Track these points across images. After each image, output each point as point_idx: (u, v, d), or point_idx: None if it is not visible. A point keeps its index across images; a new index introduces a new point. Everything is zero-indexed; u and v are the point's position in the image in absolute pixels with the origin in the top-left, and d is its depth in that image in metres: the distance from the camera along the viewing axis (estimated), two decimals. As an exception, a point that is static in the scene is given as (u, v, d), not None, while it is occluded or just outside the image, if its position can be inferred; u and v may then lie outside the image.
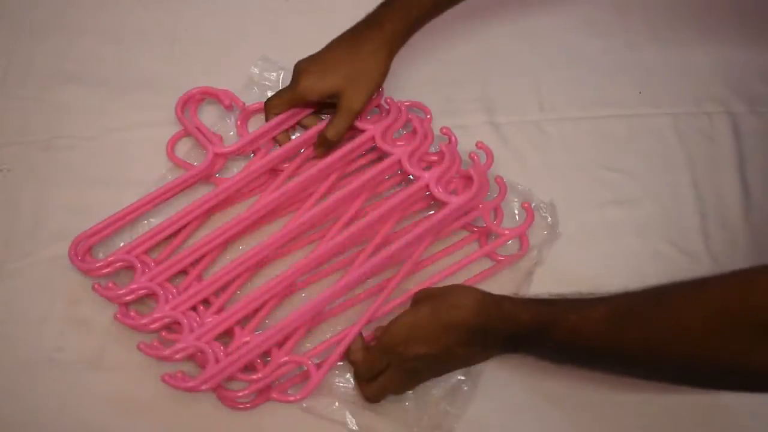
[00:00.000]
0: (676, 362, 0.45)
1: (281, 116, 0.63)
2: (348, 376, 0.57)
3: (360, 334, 0.56)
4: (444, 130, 0.64)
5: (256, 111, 0.66)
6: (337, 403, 0.56)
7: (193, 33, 0.73)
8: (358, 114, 0.62)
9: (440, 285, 0.57)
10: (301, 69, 0.62)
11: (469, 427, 0.56)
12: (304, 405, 0.56)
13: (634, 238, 0.65)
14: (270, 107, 0.63)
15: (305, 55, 0.62)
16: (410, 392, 0.56)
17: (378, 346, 0.54)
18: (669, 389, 0.57)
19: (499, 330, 0.51)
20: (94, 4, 0.73)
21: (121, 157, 0.65)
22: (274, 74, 0.69)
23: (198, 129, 0.64)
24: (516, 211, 0.64)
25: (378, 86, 0.62)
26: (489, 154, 0.64)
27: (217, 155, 0.62)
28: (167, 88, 0.68)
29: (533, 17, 0.75)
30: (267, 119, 0.64)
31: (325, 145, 0.62)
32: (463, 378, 0.57)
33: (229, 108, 0.66)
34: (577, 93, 0.71)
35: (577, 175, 0.67)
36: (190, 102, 0.66)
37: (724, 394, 0.57)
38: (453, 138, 0.64)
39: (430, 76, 0.70)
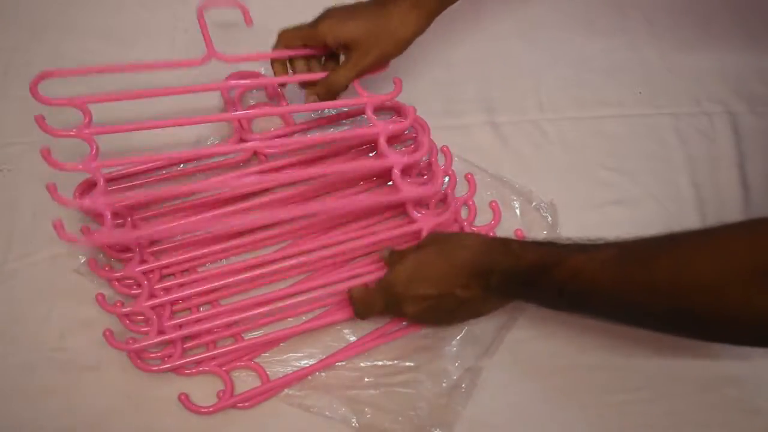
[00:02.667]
0: (680, 308, 0.44)
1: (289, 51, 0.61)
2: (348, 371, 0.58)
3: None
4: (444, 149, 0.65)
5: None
6: (338, 402, 0.56)
7: (192, 33, 0.72)
8: (366, 70, 0.59)
9: None
10: (326, 12, 0.60)
11: (469, 425, 0.56)
12: (306, 404, 0.56)
13: (634, 238, 0.65)
14: (283, 37, 0.61)
15: (305, 55, 0.62)
16: (410, 390, 0.57)
17: (380, 285, 0.55)
18: (671, 390, 0.57)
19: (504, 269, 0.51)
20: (94, 3, 0.73)
21: (122, 156, 0.65)
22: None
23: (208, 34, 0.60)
24: (517, 211, 0.64)
25: (397, 49, 0.60)
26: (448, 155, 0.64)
27: (212, 56, 0.59)
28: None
29: (533, 17, 0.75)
30: (275, 47, 0.61)
31: (323, 87, 0.60)
32: (462, 376, 0.57)
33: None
34: (577, 93, 0.71)
35: (577, 175, 0.67)
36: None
37: (726, 393, 0.57)
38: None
39: (431, 76, 0.69)
